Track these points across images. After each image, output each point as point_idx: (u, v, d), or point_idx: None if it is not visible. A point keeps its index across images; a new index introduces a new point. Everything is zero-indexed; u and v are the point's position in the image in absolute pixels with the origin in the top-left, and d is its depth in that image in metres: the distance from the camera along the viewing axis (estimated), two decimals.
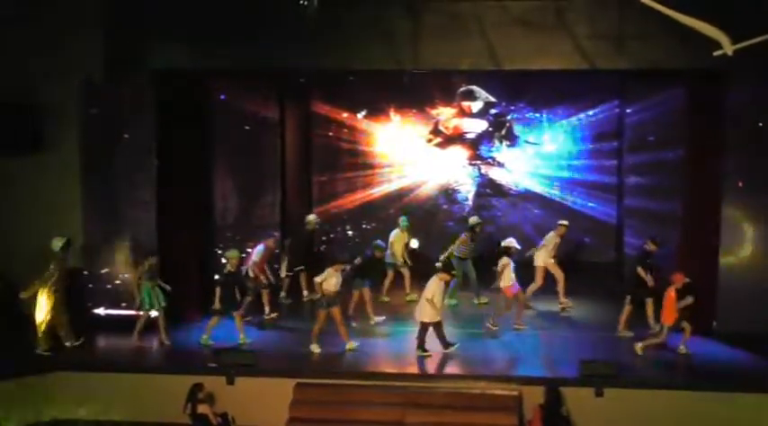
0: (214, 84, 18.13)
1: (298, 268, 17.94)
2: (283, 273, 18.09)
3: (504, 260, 15.92)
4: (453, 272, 15.17)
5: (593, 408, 13.17)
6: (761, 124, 14.81)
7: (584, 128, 21.11)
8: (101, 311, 16.12)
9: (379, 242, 16.94)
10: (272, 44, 15.38)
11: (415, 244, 18.14)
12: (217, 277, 17.06)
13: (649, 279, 15.37)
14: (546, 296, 17.59)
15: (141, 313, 15.27)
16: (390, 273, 18.13)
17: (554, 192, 21.36)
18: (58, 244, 14.82)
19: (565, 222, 17.72)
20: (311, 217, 18.55)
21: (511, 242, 16.33)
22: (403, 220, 18.07)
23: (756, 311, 14.87)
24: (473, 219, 18.15)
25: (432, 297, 14.31)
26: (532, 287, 17.29)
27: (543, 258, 17.36)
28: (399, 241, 17.95)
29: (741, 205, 15.00)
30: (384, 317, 16.59)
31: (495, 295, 17.04)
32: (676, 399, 13.20)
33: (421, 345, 14.53)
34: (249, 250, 17.31)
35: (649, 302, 15.47)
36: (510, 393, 13.29)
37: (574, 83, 19.78)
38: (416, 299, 17.38)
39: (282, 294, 18.25)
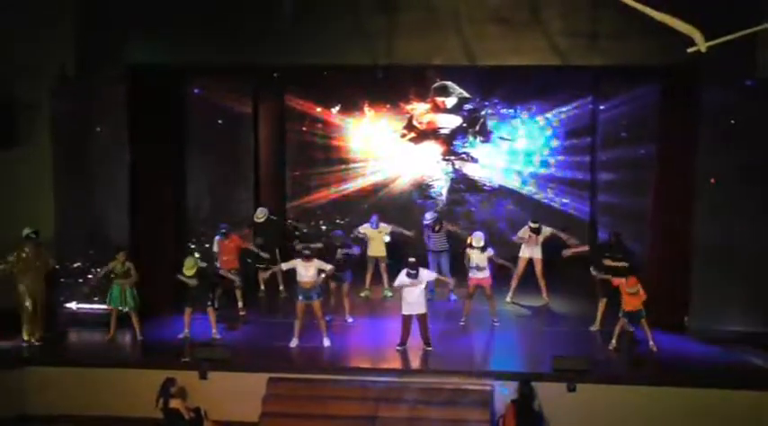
0: (188, 79, 18.03)
1: (275, 267, 17.95)
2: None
3: (479, 253, 15.85)
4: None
5: (565, 403, 13.23)
6: (733, 121, 14.91)
7: (557, 125, 21.13)
8: (73, 306, 16.02)
9: (337, 231, 17.29)
10: (248, 39, 15.33)
11: (386, 238, 18.09)
12: None
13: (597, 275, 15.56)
14: (521, 292, 17.70)
15: (111, 308, 15.20)
16: (370, 267, 18.15)
17: (527, 188, 21.38)
18: (25, 231, 14.82)
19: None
20: (260, 211, 18.42)
21: (476, 235, 16.07)
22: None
23: (728, 307, 15.01)
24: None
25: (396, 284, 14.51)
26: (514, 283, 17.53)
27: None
28: (377, 237, 18.00)
29: (713, 202, 15.05)
30: (352, 319, 16.44)
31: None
32: (648, 395, 13.29)
33: (402, 341, 14.55)
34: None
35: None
36: (483, 388, 13.32)
37: (548, 79, 19.81)
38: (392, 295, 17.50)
39: (262, 287, 18.36)
